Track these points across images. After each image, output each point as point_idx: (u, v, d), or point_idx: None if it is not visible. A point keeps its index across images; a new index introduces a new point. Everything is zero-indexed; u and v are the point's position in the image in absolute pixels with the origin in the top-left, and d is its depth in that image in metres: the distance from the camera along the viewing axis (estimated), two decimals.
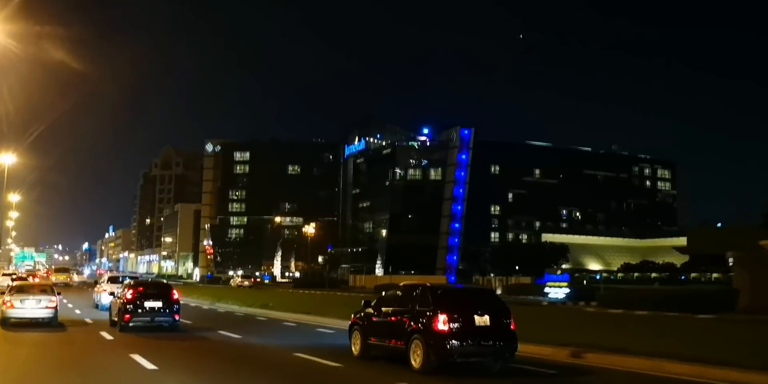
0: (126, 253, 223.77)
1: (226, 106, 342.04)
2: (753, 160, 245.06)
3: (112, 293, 23.72)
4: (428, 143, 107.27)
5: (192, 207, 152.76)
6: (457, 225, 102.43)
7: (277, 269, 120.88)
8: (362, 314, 14.66)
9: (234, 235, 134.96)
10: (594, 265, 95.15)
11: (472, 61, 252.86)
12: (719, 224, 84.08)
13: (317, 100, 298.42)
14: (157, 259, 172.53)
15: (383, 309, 14.08)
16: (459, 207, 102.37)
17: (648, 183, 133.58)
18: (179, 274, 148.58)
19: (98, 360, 14.28)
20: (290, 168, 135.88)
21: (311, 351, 15.15)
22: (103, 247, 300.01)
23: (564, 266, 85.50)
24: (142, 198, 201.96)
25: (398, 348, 13.02)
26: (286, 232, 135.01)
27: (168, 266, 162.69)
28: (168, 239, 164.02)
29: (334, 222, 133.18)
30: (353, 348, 14.59)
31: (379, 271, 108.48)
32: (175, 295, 21.13)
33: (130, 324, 20.12)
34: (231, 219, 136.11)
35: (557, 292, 40.47)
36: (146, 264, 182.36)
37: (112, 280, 31.41)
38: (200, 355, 15.55)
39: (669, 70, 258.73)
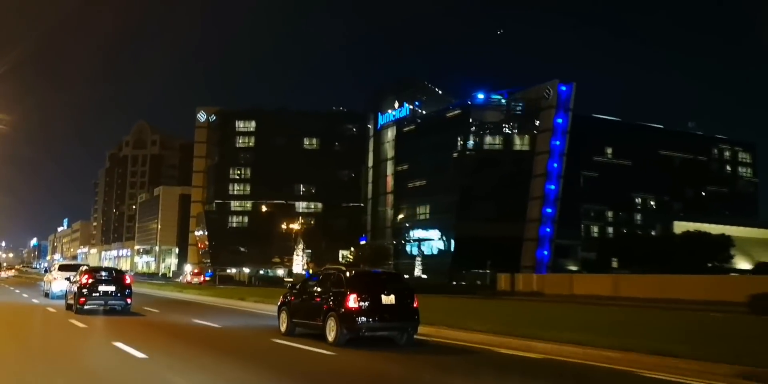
0: (86, 249, 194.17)
1: (213, 75, 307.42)
2: None
3: (67, 279, 25.45)
4: (505, 103, 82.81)
5: (177, 190, 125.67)
6: (549, 210, 78.38)
7: (297, 266, 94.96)
8: (289, 296, 16.16)
9: (235, 224, 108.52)
10: (743, 264, 72.20)
11: (517, 23, 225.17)
12: None
13: (322, 70, 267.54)
14: (129, 254, 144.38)
15: (306, 291, 15.58)
16: (553, 186, 78.34)
17: (728, 168, 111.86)
18: (161, 272, 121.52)
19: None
20: (306, 142, 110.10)
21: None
22: (56, 243, 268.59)
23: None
24: (108, 183, 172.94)
25: (317, 325, 14.37)
26: (301, 220, 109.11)
27: (144, 262, 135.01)
28: (144, 231, 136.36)
29: (360, 209, 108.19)
30: (281, 326, 15.95)
31: (417, 270, 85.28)
32: (128, 279, 22.77)
33: (86, 307, 21.19)
34: (231, 204, 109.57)
35: None
36: (113, 260, 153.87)
37: (63, 268, 30.72)
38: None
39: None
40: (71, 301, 22.18)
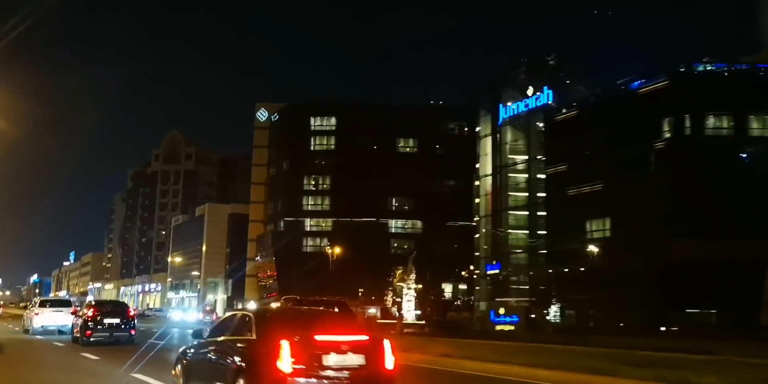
0: (99, 284, 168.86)
1: (258, 76, 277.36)
2: None
3: (74, 313, 27.30)
4: (728, 72, 59.19)
5: (227, 208, 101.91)
6: None
7: (408, 303, 70.32)
8: None
9: (311, 248, 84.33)
10: None
11: None
12: None
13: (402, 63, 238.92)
14: (159, 288, 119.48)
15: None
16: None
17: None
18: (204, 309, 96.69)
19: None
20: (400, 143, 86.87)
21: None
22: (61, 278, 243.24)
23: None
24: (130, 207, 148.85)
25: None
26: (394, 243, 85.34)
27: (179, 298, 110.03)
28: (178, 259, 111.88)
29: (471, 228, 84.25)
30: None
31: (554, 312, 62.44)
32: (132, 312, 24.92)
33: (92, 339, 22.41)
34: (306, 223, 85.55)
35: None
36: (138, 296, 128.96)
37: (44, 304, 30.76)
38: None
39: None
40: (78, 334, 23.45)
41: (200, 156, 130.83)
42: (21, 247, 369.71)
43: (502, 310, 46.57)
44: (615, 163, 60.72)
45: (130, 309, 25.14)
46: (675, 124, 58.00)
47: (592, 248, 62.28)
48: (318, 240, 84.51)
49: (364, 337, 9.24)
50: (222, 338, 9.80)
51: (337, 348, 8.77)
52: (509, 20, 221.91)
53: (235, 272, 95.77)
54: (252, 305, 79.44)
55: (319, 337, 8.81)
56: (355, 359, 8.82)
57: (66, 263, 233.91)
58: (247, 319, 9.76)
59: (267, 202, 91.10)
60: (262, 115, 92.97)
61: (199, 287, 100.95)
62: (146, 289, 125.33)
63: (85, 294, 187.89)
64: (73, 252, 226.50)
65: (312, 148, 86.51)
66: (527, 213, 77.52)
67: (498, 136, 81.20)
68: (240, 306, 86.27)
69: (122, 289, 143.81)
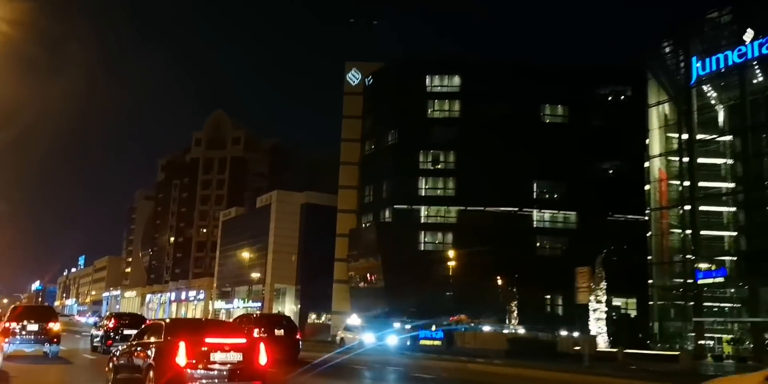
0: (116, 291, 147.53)
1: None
2: None
3: (94, 323, 33.97)
4: None
5: (299, 197, 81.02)
6: None
7: (599, 323, 49.28)
8: None
9: (430, 246, 63.53)
10: None
11: None
12: None
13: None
14: (203, 296, 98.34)
15: None
16: None
17: None
18: None
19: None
20: (546, 111, 66.58)
21: None
22: (71, 286, 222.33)
23: None
24: (161, 201, 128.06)
25: None
26: (539, 241, 64.77)
27: (228, 309, 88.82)
28: (230, 262, 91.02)
29: (641, 224, 63.63)
30: None
31: None
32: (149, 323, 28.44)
33: (111, 348, 23.29)
34: (422, 213, 64.77)
35: None
36: (170, 305, 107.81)
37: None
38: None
39: None
40: (97, 344, 27.27)
41: (248, 142, 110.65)
42: (21, 251, 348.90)
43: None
44: None
45: (148, 320, 27.62)
46: None
47: None
48: (439, 235, 63.80)
49: (243, 340, 12.57)
50: (142, 341, 13.24)
51: (222, 348, 11.99)
52: None
53: (308, 277, 75.10)
54: (355, 320, 58.54)
55: (208, 340, 12.05)
56: (235, 356, 12.01)
57: (74, 269, 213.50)
58: (159, 326, 13.29)
59: (359, 187, 70.51)
60: (353, 77, 72.77)
61: (262, 294, 79.78)
62: (183, 297, 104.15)
63: (98, 303, 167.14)
64: (83, 256, 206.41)
65: (429, 115, 66.12)
66: (734, 208, 56.87)
67: (685, 101, 60.40)
68: (348, 322, 66.17)
69: (148, 296, 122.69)
